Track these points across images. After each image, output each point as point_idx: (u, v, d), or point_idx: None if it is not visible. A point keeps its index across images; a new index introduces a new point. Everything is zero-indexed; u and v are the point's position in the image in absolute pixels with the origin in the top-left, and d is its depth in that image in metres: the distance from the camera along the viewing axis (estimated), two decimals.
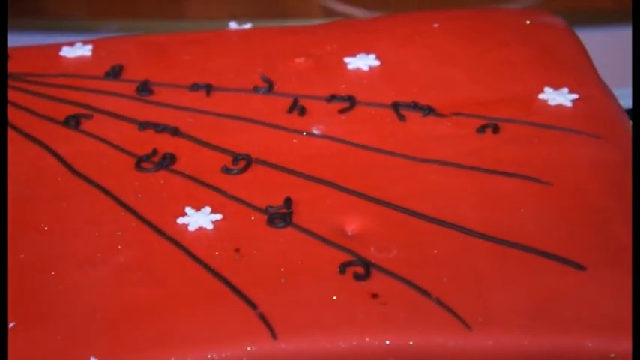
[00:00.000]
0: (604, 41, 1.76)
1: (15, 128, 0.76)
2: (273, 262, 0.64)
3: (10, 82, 0.81)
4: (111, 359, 0.58)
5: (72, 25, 1.82)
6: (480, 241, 0.65)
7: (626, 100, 0.88)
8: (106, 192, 0.70)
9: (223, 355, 0.59)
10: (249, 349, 0.59)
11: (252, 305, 0.61)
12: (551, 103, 0.77)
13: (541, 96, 0.78)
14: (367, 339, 0.60)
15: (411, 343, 0.59)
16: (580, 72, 0.81)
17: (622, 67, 1.63)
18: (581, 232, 0.66)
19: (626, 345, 0.59)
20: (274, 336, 0.59)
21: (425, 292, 0.62)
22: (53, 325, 0.60)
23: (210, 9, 1.70)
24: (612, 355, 0.59)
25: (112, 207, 0.69)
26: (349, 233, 0.67)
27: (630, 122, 0.78)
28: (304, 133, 0.75)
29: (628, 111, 0.88)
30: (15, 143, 0.74)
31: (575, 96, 0.78)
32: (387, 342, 0.59)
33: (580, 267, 0.63)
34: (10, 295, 0.61)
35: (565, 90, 0.78)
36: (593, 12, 1.79)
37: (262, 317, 0.60)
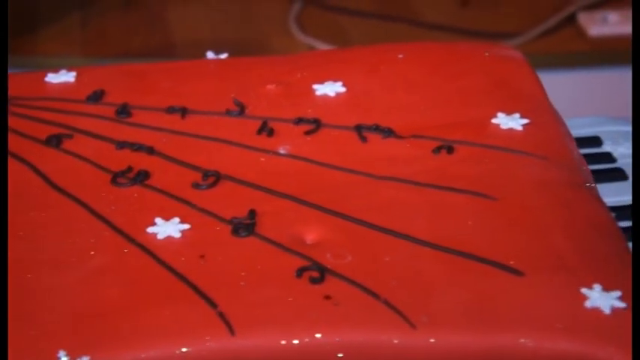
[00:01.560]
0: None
1: None
2: (235, 267, 0.68)
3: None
4: (78, 354, 0.62)
5: (67, 63, 1.86)
6: (429, 250, 0.70)
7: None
8: (83, 204, 0.74)
9: (184, 350, 0.63)
10: (208, 344, 0.63)
11: (213, 305, 0.65)
12: (503, 127, 0.82)
13: (494, 120, 0.82)
14: (319, 336, 0.64)
15: (358, 339, 0.63)
16: (532, 100, 0.86)
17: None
18: (521, 241, 0.70)
19: (557, 344, 0.63)
20: (232, 332, 0.63)
21: (374, 295, 0.66)
22: (26, 323, 0.64)
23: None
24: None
25: (87, 217, 0.73)
26: (308, 242, 0.71)
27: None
28: (271, 153, 0.80)
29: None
30: None
31: (525, 121, 0.82)
32: (337, 339, 0.64)
33: (518, 272, 0.67)
34: None
35: (517, 115, 0.82)
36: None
37: (222, 316, 0.64)
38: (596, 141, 0.95)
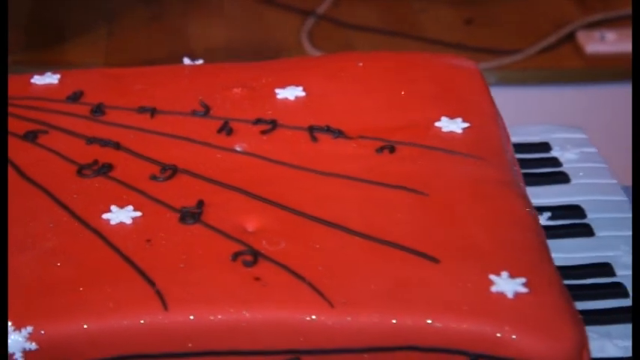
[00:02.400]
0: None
1: None
2: (178, 251, 0.73)
3: None
4: (24, 324, 0.67)
5: None
6: (357, 239, 0.74)
7: None
8: (48, 193, 0.79)
9: (123, 323, 0.68)
10: (143, 318, 0.68)
11: (152, 283, 0.69)
12: (445, 129, 0.85)
13: (437, 124, 0.86)
14: (245, 313, 0.68)
15: (281, 317, 0.68)
16: (476, 106, 0.89)
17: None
18: (441, 232, 0.74)
19: (462, 324, 0.67)
20: (166, 308, 0.68)
21: (300, 277, 0.70)
22: None
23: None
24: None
25: (50, 205, 0.78)
26: (249, 230, 0.75)
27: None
28: (228, 150, 0.84)
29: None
30: None
31: (466, 125, 0.86)
32: (262, 316, 0.68)
33: (434, 260, 0.71)
34: None
35: (459, 119, 0.86)
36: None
37: (158, 293, 0.69)
38: (545, 147, 0.98)
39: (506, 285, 0.69)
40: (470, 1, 2.04)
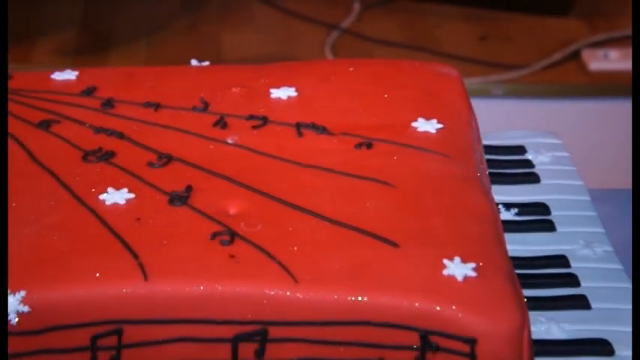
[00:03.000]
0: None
1: None
2: (163, 230, 0.75)
3: (10, 97, 0.94)
4: (18, 289, 0.70)
5: None
6: (326, 224, 0.76)
7: None
8: (54, 175, 0.82)
9: (107, 291, 0.70)
10: (124, 290, 0.70)
11: (135, 257, 0.72)
12: (420, 129, 0.87)
13: (413, 124, 0.88)
14: (218, 286, 0.71)
15: (250, 291, 0.70)
16: (452, 109, 0.91)
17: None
18: (403, 220, 0.76)
19: (413, 303, 0.69)
20: (146, 278, 0.71)
21: (271, 256, 0.72)
22: None
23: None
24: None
25: (54, 186, 0.81)
26: (230, 214, 0.78)
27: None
28: (220, 142, 0.87)
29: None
30: None
31: (440, 126, 0.88)
32: (232, 290, 0.70)
33: (394, 244, 0.73)
34: None
35: (434, 121, 0.88)
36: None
37: (140, 265, 0.72)
38: (520, 149, 1.00)
39: (457, 269, 0.71)
40: (484, 18, 2.06)
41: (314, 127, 0.88)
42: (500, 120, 1.45)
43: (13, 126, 0.89)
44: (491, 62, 1.93)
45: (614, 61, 1.89)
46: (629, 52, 1.86)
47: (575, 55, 1.91)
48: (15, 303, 0.69)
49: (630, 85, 1.89)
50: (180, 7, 2.17)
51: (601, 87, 1.86)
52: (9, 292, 0.70)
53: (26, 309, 0.70)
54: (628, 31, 1.93)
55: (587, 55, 1.90)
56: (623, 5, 2.01)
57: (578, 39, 1.95)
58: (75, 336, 0.70)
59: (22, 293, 0.70)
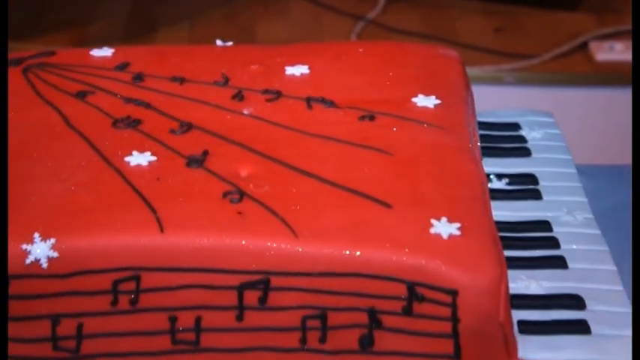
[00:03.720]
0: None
1: (39, 95, 0.91)
2: (180, 189, 0.77)
3: (51, 70, 0.96)
4: (48, 236, 0.72)
5: None
6: (328, 186, 0.78)
7: None
8: (86, 139, 0.84)
9: (127, 241, 0.73)
10: (143, 241, 0.73)
11: (154, 211, 0.74)
12: (419, 104, 0.89)
13: (413, 99, 0.89)
14: (226, 239, 0.73)
15: (254, 244, 0.72)
16: (450, 87, 0.92)
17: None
18: (398, 184, 0.78)
19: (402, 257, 0.71)
20: (162, 231, 0.73)
21: (275, 213, 0.74)
22: (20, 215, 0.75)
23: None
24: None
25: (86, 149, 0.83)
26: (241, 176, 0.80)
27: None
28: (237, 112, 0.88)
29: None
30: (36, 105, 0.89)
31: (438, 102, 0.89)
32: (239, 242, 0.72)
33: (387, 205, 0.75)
34: None
35: (433, 97, 0.89)
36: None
37: (158, 219, 0.74)
38: (515, 126, 1.01)
39: (443, 228, 0.73)
40: (500, 12, 2.06)
41: (323, 101, 0.90)
42: (511, 105, 1.46)
43: (53, 95, 0.91)
44: (505, 52, 1.93)
45: (619, 52, 1.88)
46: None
47: (583, 47, 1.91)
48: (46, 249, 0.72)
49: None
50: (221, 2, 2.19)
51: (606, 76, 1.86)
52: (40, 238, 0.72)
53: (55, 255, 0.72)
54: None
55: (594, 46, 1.90)
56: (628, 2, 2.01)
57: (586, 32, 1.94)
58: (98, 280, 0.73)
59: (52, 240, 0.72)
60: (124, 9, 2.15)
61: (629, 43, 1.88)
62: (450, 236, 0.72)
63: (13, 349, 0.74)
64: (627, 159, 1.35)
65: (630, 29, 1.92)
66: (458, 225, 0.73)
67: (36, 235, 0.72)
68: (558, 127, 1.02)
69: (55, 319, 0.73)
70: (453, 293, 0.70)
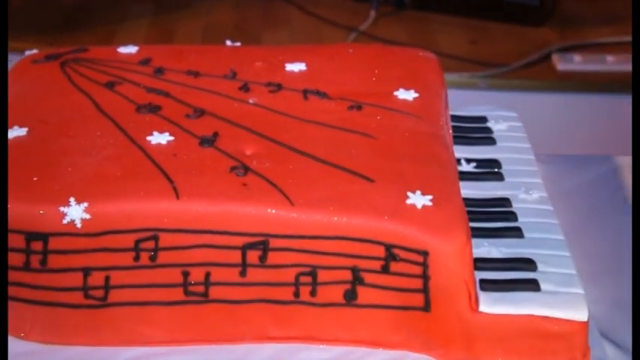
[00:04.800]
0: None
1: (74, 85, 0.94)
2: (193, 163, 0.80)
3: (84, 63, 0.99)
4: (81, 200, 0.75)
5: None
6: (319, 164, 0.80)
7: None
8: (113, 121, 0.86)
9: (148, 206, 0.75)
10: (161, 206, 0.75)
11: (171, 181, 0.77)
12: (400, 97, 0.91)
13: (395, 93, 0.91)
14: (232, 206, 0.75)
15: (255, 211, 0.75)
16: (427, 83, 0.94)
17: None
18: (379, 162, 0.80)
19: (382, 224, 0.74)
20: (178, 198, 0.76)
21: (274, 185, 0.77)
22: (56, 183, 0.77)
23: None
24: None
25: (112, 129, 0.85)
26: (247, 154, 0.82)
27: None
28: (243, 102, 0.91)
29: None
30: (71, 93, 0.92)
31: (416, 95, 0.91)
32: (243, 209, 0.75)
33: (370, 180, 0.78)
34: (34, 163, 0.79)
35: (412, 91, 0.92)
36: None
37: (174, 188, 0.76)
38: (482, 119, 1.03)
39: (417, 199, 0.76)
40: (475, 26, 2.08)
41: (317, 93, 0.92)
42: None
43: (86, 85, 0.94)
44: (479, 61, 1.95)
45: (578, 63, 1.91)
46: (590, 56, 1.90)
47: (547, 58, 1.93)
48: (79, 211, 0.75)
49: (590, 83, 1.92)
50: (232, 10, 2.21)
51: (565, 84, 1.88)
52: (75, 202, 0.75)
53: (87, 216, 0.75)
54: (590, 40, 1.96)
55: (556, 58, 1.92)
56: (587, 19, 2.05)
57: (549, 45, 1.97)
58: (123, 239, 0.75)
59: (85, 204, 0.75)
60: (145, 19, 2.17)
61: (587, 56, 1.92)
62: (423, 206, 0.75)
63: (51, 296, 0.77)
64: (579, 151, 1.39)
65: (586, 43, 1.96)
66: (430, 197, 0.76)
67: (72, 199, 0.75)
68: (520, 121, 1.05)
69: (86, 272, 0.76)
70: (425, 254, 0.73)
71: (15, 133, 0.84)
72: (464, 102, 1.11)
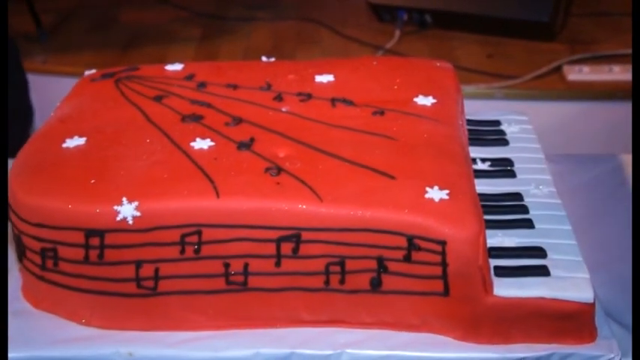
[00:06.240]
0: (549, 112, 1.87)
1: (127, 99, 0.95)
2: (232, 165, 0.80)
3: (135, 80, 1.00)
4: (133, 199, 0.76)
5: None
6: (346, 164, 0.80)
7: None
8: (162, 130, 0.87)
9: (192, 204, 0.76)
10: (203, 204, 0.76)
11: (212, 182, 0.78)
12: (419, 103, 0.91)
13: (415, 99, 0.91)
14: (267, 203, 0.76)
15: (288, 207, 0.75)
16: (445, 90, 0.94)
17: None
18: (401, 162, 0.80)
19: (402, 216, 0.74)
20: (218, 196, 0.76)
21: (305, 183, 0.77)
22: (109, 185, 0.78)
23: None
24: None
25: (160, 137, 0.86)
26: (280, 156, 0.83)
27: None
28: (277, 110, 0.91)
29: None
30: (124, 106, 0.93)
31: (434, 101, 0.91)
32: (278, 206, 0.75)
33: (392, 177, 0.78)
34: (92, 168, 0.80)
35: (430, 97, 0.92)
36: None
37: (215, 188, 0.77)
38: (496, 122, 1.03)
39: (435, 194, 0.75)
40: (491, 42, 2.07)
41: (344, 101, 0.92)
42: None
43: (137, 99, 0.95)
44: (495, 73, 1.94)
45: (587, 74, 1.89)
46: (598, 68, 1.88)
47: (558, 69, 1.92)
48: (131, 209, 0.75)
49: (598, 92, 1.90)
50: (270, 32, 2.22)
51: (575, 93, 1.87)
52: (128, 201, 0.76)
53: (138, 214, 0.76)
54: (597, 53, 1.95)
55: (566, 69, 1.90)
56: (595, 35, 2.04)
57: (560, 58, 1.95)
58: (170, 234, 0.76)
59: (136, 203, 0.76)
60: (194, 39, 2.18)
61: (594, 67, 1.90)
62: (440, 200, 0.75)
63: (108, 286, 0.78)
64: (586, 152, 1.33)
65: (594, 56, 1.95)
66: (447, 191, 0.76)
67: (124, 198, 0.76)
68: (531, 124, 1.04)
69: (138, 264, 0.77)
70: (443, 243, 0.73)
71: (75, 142, 0.85)
72: (481, 110, 1.11)
